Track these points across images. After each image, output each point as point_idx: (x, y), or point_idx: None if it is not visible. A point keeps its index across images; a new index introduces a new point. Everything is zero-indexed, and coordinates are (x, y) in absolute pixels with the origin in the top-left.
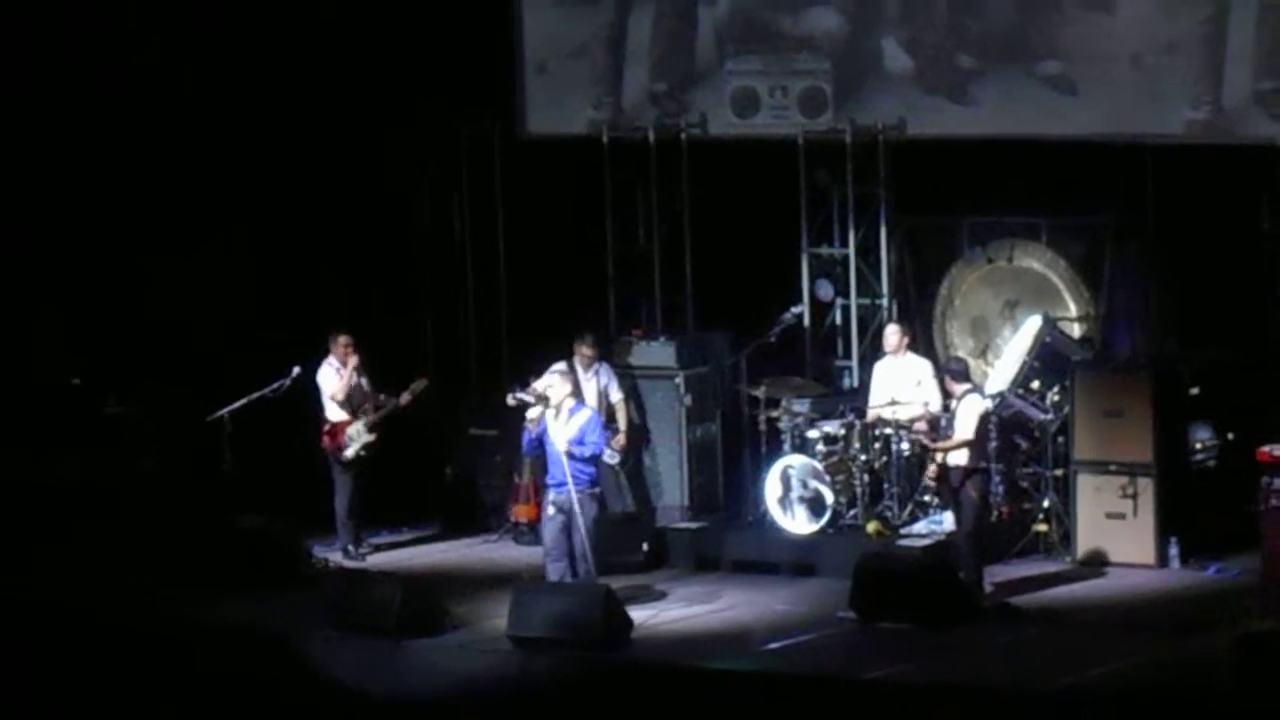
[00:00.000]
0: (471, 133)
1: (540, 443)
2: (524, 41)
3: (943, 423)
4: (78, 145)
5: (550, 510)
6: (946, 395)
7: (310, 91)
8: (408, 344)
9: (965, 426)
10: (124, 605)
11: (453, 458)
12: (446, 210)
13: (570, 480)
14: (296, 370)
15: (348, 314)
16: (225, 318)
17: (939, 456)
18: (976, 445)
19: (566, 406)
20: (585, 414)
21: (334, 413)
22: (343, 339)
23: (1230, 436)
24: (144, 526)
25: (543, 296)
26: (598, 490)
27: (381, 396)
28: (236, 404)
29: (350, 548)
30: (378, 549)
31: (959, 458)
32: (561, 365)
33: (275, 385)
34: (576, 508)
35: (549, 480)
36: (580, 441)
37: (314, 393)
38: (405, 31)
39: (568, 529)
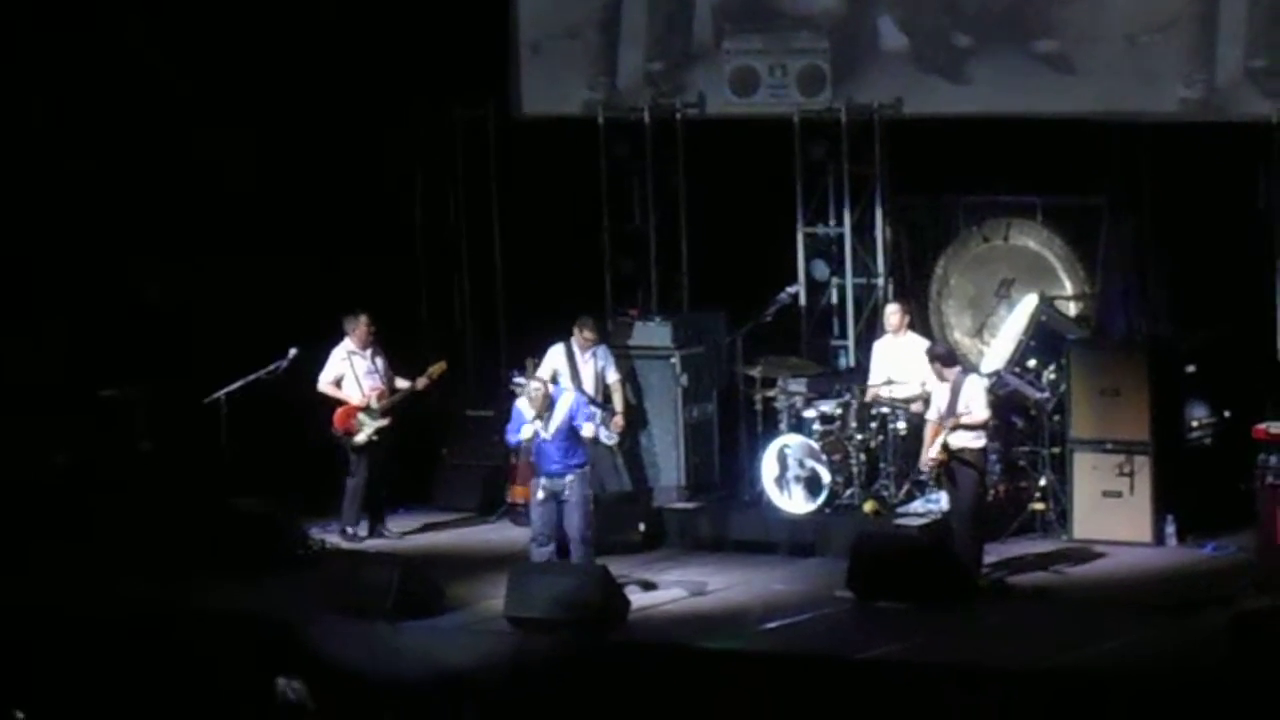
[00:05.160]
0: (466, 114)
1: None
2: (518, 22)
3: (941, 406)
4: (73, 134)
5: (540, 494)
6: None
7: (304, 75)
8: (404, 326)
9: (980, 406)
10: (120, 590)
11: (449, 439)
12: (442, 192)
13: (561, 464)
14: (293, 352)
15: (343, 297)
16: (221, 301)
17: (951, 438)
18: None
19: (545, 408)
20: (569, 397)
21: (347, 393)
22: (363, 318)
23: (1226, 414)
24: (141, 509)
25: (538, 277)
26: (587, 469)
27: (398, 381)
28: (233, 386)
29: (349, 529)
30: (405, 534)
31: (971, 439)
32: (535, 383)
33: (272, 367)
34: (568, 491)
35: (539, 468)
36: (575, 423)
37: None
38: (399, 14)
39: (557, 514)
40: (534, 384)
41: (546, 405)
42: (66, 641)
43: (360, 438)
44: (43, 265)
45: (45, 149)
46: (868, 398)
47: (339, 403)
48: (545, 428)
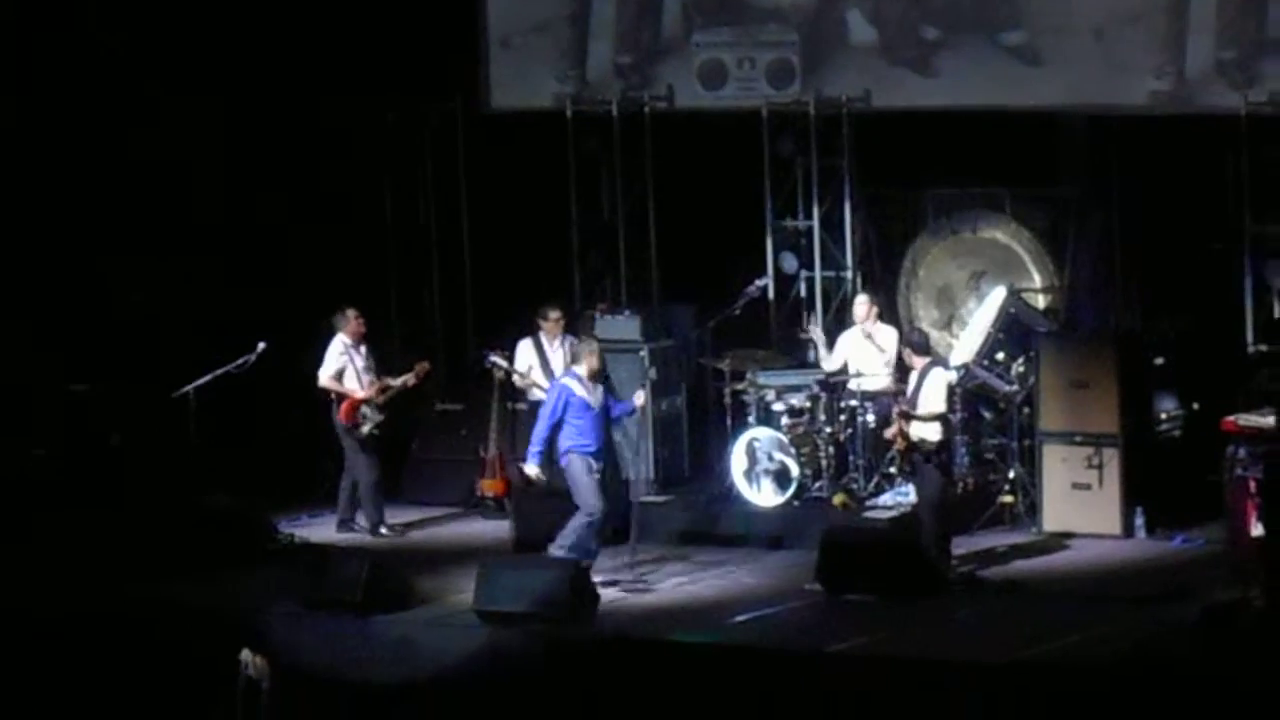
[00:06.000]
0: (435, 108)
1: (549, 442)
2: (487, 15)
3: (907, 393)
4: (41, 137)
5: (597, 475)
6: (906, 367)
7: (272, 69)
8: (374, 320)
9: (936, 399)
10: (89, 586)
11: (418, 433)
12: (411, 185)
13: (601, 444)
14: (261, 346)
15: (313, 292)
16: (190, 295)
17: (909, 427)
18: (945, 419)
19: (600, 373)
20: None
21: (349, 387)
22: (351, 312)
23: (1195, 406)
24: (110, 504)
25: (508, 271)
26: None
27: (385, 379)
28: (201, 380)
29: (384, 527)
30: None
31: (929, 431)
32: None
33: (240, 362)
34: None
35: (585, 446)
36: (610, 400)
37: (294, 369)
38: (368, 9)
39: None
40: (591, 343)
41: (602, 370)
42: (32, 637)
43: (365, 429)
44: (9, 261)
45: (12, 146)
46: (826, 365)
47: (340, 396)
48: (588, 391)
